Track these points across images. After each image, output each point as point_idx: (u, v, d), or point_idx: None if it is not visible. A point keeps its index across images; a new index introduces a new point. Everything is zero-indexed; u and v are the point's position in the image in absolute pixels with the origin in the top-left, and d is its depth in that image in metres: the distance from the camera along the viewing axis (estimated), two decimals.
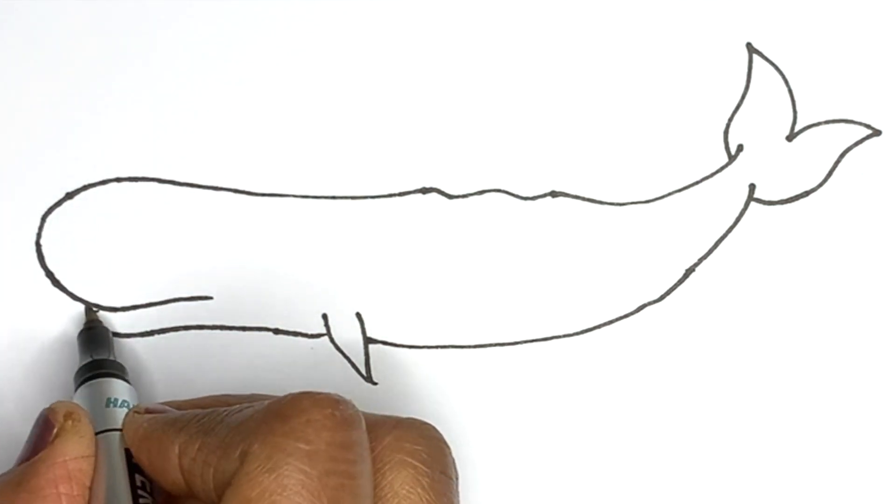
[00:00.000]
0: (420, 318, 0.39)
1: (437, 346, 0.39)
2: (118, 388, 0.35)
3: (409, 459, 0.30)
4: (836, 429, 0.39)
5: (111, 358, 0.37)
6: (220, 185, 0.40)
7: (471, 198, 0.41)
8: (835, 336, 0.40)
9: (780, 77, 0.42)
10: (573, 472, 0.38)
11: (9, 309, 0.39)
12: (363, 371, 0.39)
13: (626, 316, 0.40)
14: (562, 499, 0.38)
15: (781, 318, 0.40)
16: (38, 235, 0.39)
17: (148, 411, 0.33)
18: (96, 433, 0.32)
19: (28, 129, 0.40)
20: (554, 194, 0.41)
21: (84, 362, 0.36)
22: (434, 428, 0.31)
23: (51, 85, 0.41)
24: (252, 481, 0.27)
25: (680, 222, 0.41)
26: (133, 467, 0.32)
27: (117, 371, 0.36)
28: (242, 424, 0.28)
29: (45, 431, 0.31)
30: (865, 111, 0.42)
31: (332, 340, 0.39)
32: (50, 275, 0.39)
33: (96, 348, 0.37)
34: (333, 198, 0.40)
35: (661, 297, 0.40)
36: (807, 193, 0.41)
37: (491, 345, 0.39)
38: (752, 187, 0.41)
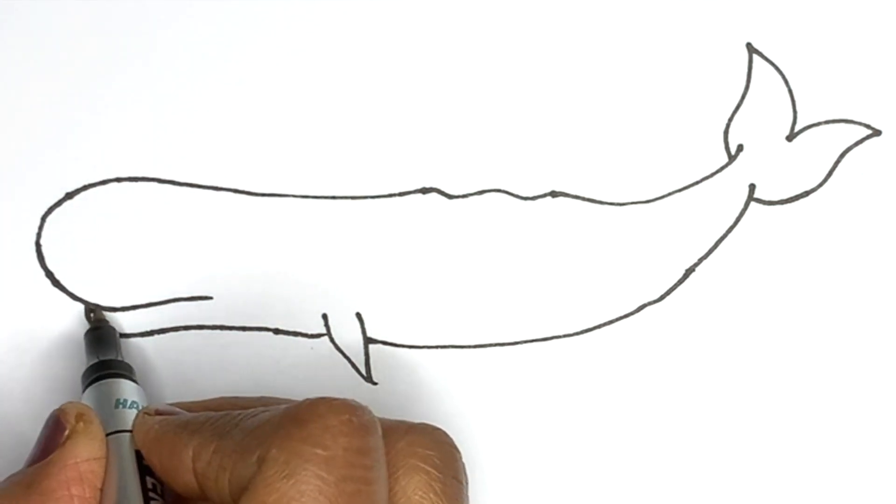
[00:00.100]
0: (420, 318, 0.39)
1: (437, 346, 0.39)
2: (127, 389, 0.35)
3: (422, 465, 0.30)
4: (836, 428, 0.39)
5: (119, 358, 0.36)
6: (220, 185, 0.40)
7: (471, 198, 0.41)
8: (835, 336, 0.40)
9: (780, 77, 0.42)
10: (573, 472, 0.38)
11: (9, 309, 0.39)
12: (363, 371, 0.39)
13: (626, 316, 0.40)
14: (562, 499, 0.38)
15: (781, 317, 0.40)
16: (38, 235, 0.39)
17: (158, 413, 0.33)
18: (106, 434, 0.32)
19: (28, 129, 0.40)
20: (554, 194, 0.41)
21: (91, 363, 0.36)
22: (445, 433, 0.31)
23: (51, 85, 0.41)
24: (269, 486, 0.27)
25: (680, 222, 0.41)
26: (144, 469, 0.32)
27: (125, 371, 0.36)
28: (259, 429, 0.28)
29: (55, 433, 0.31)
30: (865, 111, 0.42)
31: (332, 340, 0.39)
32: (50, 275, 0.39)
33: (103, 349, 0.37)
34: (333, 198, 0.40)
35: (661, 297, 0.40)
36: (807, 193, 0.41)
37: (491, 345, 0.39)
38: (752, 187, 0.41)
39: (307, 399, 0.29)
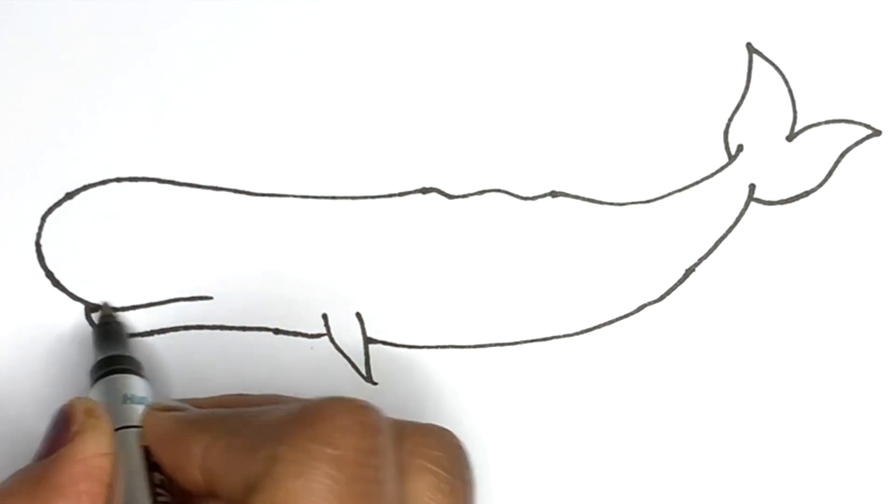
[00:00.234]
0: (420, 318, 0.39)
1: (437, 346, 0.39)
2: (134, 384, 0.35)
3: (431, 466, 0.30)
4: (836, 428, 0.39)
5: (127, 354, 0.36)
6: (220, 185, 0.40)
7: (471, 198, 0.41)
8: (835, 336, 0.40)
9: (780, 77, 0.42)
10: (573, 471, 0.38)
11: (9, 309, 0.39)
12: (363, 371, 0.39)
13: (626, 316, 0.40)
14: (561, 498, 0.38)
15: (781, 318, 0.40)
16: (38, 235, 0.39)
17: (167, 409, 0.33)
18: (114, 430, 0.32)
19: (28, 129, 0.40)
20: (554, 194, 0.41)
21: (99, 358, 0.36)
22: (453, 434, 0.31)
23: (51, 85, 0.41)
24: (279, 484, 0.27)
25: (680, 222, 0.41)
26: (151, 465, 0.32)
27: (133, 367, 0.36)
28: (269, 427, 0.28)
29: (63, 428, 0.31)
30: (865, 111, 0.42)
31: (332, 340, 0.39)
32: (50, 275, 0.39)
33: (111, 344, 0.37)
34: (333, 198, 0.40)
35: (661, 297, 0.40)
36: (807, 193, 0.41)
37: (491, 345, 0.39)
38: (752, 187, 0.41)
39: (318, 398, 0.29)
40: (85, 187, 0.40)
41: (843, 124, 0.42)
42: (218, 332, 0.39)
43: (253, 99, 0.41)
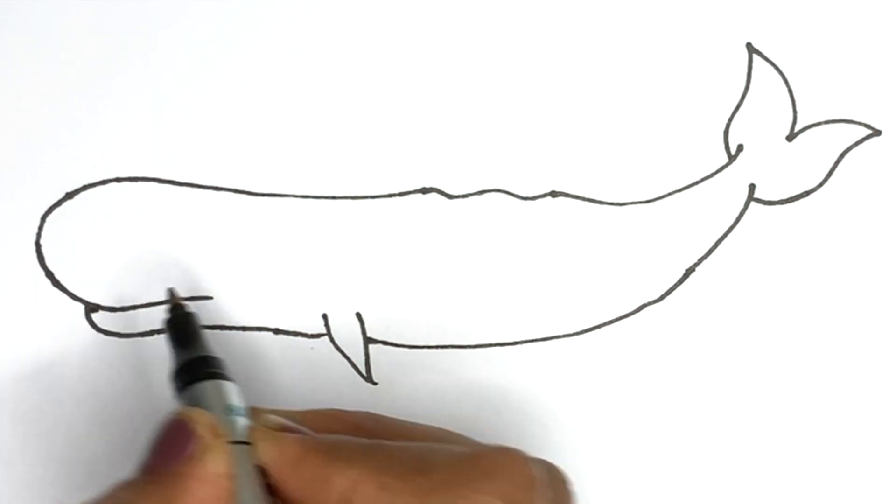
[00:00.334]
0: (420, 318, 0.39)
1: (437, 346, 0.39)
2: (232, 392, 0.33)
3: None
4: (836, 428, 0.39)
5: (212, 354, 0.34)
6: (220, 185, 0.40)
7: (471, 198, 0.41)
8: (835, 336, 0.40)
9: (780, 77, 0.42)
10: (574, 471, 0.38)
11: (9, 309, 0.39)
12: (363, 371, 0.39)
13: (626, 316, 0.40)
14: None
15: (781, 317, 0.40)
16: (38, 235, 0.39)
17: (282, 428, 0.31)
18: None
19: (28, 129, 0.40)
20: (554, 194, 0.41)
21: (183, 358, 0.34)
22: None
23: (51, 85, 0.41)
24: None
25: (680, 222, 0.41)
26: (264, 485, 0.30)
27: (223, 370, 0.33)
28: (437, 473, 0.29)
29: (179, 441, 0.30)
30: (865, 111, 0.42)
31: (332, 340, 0.39)
32: (50, 275, 0.39)
33: (192, 342, 0.34)
34: (333, 198, 0.40)
35: (661, 297, 0.40)
36: (807, 193, 0.41)
37: (491, 345, 0.39)
38: (752, 187, 0.41)
39: (489, 447, 0.30)
40: (85, 187, 0.40)
41: (843, 124, 0.42)
42: (218, 332, 0.39)
43: (253, 99, 0.41)
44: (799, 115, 0.42)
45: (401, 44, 0.42)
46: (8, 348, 0.38)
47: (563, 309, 0.40)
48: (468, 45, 0.42)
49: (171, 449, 0.30)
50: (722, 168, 0.41)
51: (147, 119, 0.41)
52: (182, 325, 0.36)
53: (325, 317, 0.39)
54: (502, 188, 0.41)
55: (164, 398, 0.37)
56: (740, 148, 0.41)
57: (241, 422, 0.31)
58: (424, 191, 0.41)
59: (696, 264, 0.40)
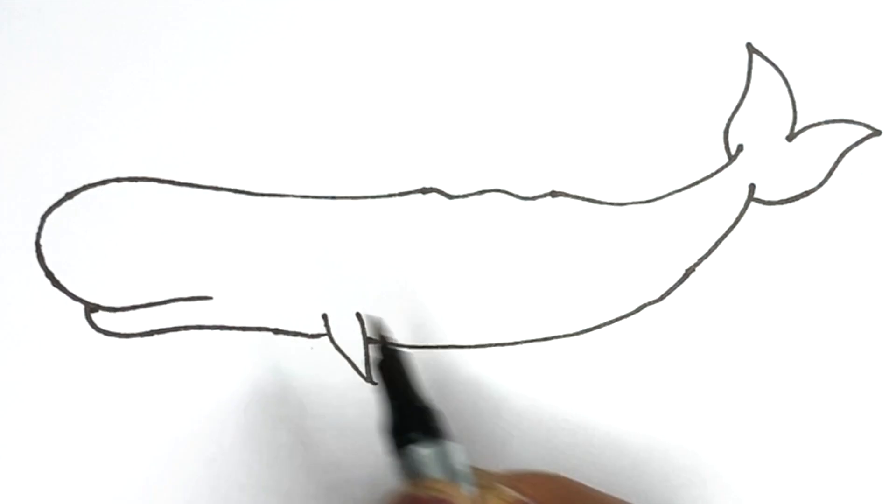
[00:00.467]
0: (420, 318, 0.39)
1: (437, 346, 0.39)
2: (458, 455, 0.30)
3: None
4: (836, 427, 0.39)
5: (429, 405, 0.31)
6: (220, 185, 0.40)
7: (471, 198, 0.41)
8: (834, 335, 0.40)
9: (780, 77, 0.42)
10: (573, 471, 0.38)
11: (9, 309, 0.39)
12: (363, 371, 0.39)
13: (626, 316, 0.40)
14: None
15: (781, 317, 0.40)
16: (38, 235, 0.39)
17: (515, 502, 0.30)
18: None
19: (28, 129, 0.40)
20: (554, 194, 0.41)
21: (398, 410, 0.31)
22: None
23: (51, 85, 0.41)
24: None
25: (680, 222, 0.41)
26: None
27: (442, 422, 0.30)
28: None
29: None
30: (865, 111, 0.42)
31: (332, 340, 0.39)
32: (50, 275, 0.39)
33: (404, 386, 0.31)
34: (333, 198, 0.40)
35: (661, 297, 0.40)
36: (807, 193, 0.41)
37: (491, 345, 0.39)
38: (752, 187, 0.41)
39: None
40: (85, 187, 0.40)
41: (843, 124, 0.42)
42: (218, 332, 0.39)
43: (253, 99, 0.41)
44: (799, 115, 0.42)
45: (401, 44, 0.42)
46: (8, 348, 0.38)
47: (563, 309, 0.40)
48: (468, 46, 0.42)
49: None
50: (722, 168, 0.41)
51: (147, 119, 0.41)
52: (395, 367, 0.33)
53: (325, 317, 0.39)
54: (502, 188, 0.41)
55: (163, 398, 0.37)
56: (740, 148, 0.41)
57: (467, 489, 0.30)
58: (424, 191, 0.41)
59: (696, 264, 0.40)
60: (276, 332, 0.39)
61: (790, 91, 0.42)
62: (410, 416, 0.31)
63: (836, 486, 0.38)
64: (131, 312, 0.39)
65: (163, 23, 0.41)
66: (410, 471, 0.30)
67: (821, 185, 0.41)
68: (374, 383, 0.39)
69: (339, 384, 0.39)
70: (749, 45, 0.42)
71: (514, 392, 0.39)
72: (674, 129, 0.41)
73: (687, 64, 0.42)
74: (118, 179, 0.40)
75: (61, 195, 0.40)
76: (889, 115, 0.42)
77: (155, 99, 0.41)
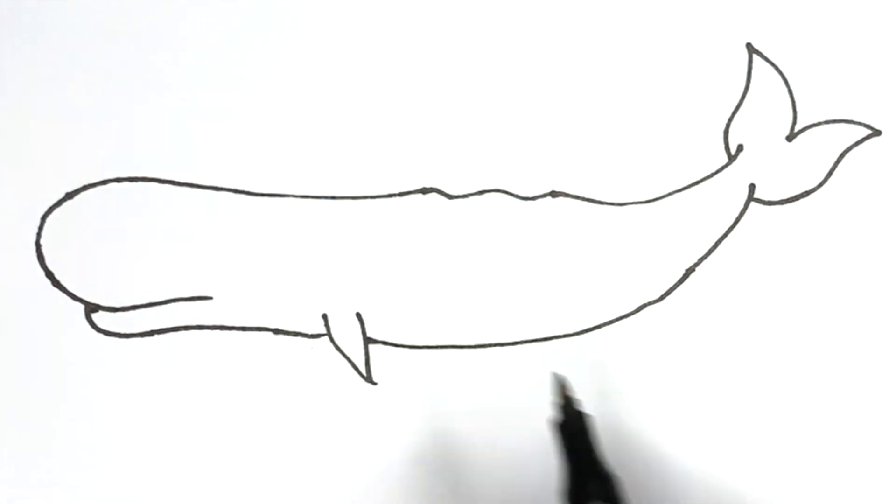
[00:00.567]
0: (420, 318, 0.39)
1: (437, 346, 0.39)
2: None
3: None
4: (835, 427, 0.39)
5: (611, 473, 0.29)
6: (220, 185, 0.40)
7: (471, 198, 0.41)
8: (834, 335, 0.40)
9: (780, 77, 0.42)
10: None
11: (9, 309, 0.39)
12: (363, 371, 0.39)
13: (626, 316, 0.40)
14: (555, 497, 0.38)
15: (781, 317, 0.40)
16: (38, 235, 0.39)
17: None
18: None
19: (28, 130, 0.40)
20: (554, 194, 0.41)
21: (579, 476, 0.29)
22: None
23: (51, 85, 0.41)
24: None
25: (680, 222, 0.41)
26: None
27: (622, 492, 0.29)
28: None
29: None
30: (865, 111, 0.42)
31: (332, 340, 0.39)
32: (50, 275, 0.39)
33: (586, 450, 0.30)
34: (333, 198, 0.40)
35: (661, 297, 0.40)
36: (807, 193, 0.41)
37: (491, 345, 0.39)
38: (752, 187, 0.41)
39: None
40: (85, 187, 0.40)
41: (843, 124, 0.42)
42: (218, 332, 0.39)
43: (253, 100, 0.41)
44: (799, 115, 0.42)
45: (401, 46, 0.42)
46: (8, 348, 0.38)
47: (563, 309, 0.40)
48: (468, 47, 0.42)
49: None
50: (722, 168, 0.41)
51: (147, 119, 0.41)
52: (578, 429, 0.31)
53: (325, 317, 0.39)
54: (502, 188, 0.41)
55: (163, 398, 0.37)
56: (740, 148, 0.41)
57: None
58: (424, 191, 0.41)
59: (696, 264, 0.40)
60: (276, 332, 0.39)
61: (790, 91, 0.42)
62: (591, 483, 0.30)
63: (836, 485, 0.38)
64: (131, 312, 0.39)
65: (163, 25, 0.41)
66: None
67: (821, 185, 0.41)
68: (375, 383, 0.39)
69: (339, 384, 0.39)
70: (749, 45, 0.42)
71: (514, 392, 0.39)
72: (674, 129, 0.41)
73: (687, 64, 0.42)
74: (118, 179, 0.40)
75: (61, 195, 0.40)
76: (889, 115, 0.42)
77: (155, 99, 0.41)
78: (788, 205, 0.41)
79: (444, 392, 0.39)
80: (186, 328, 0.39)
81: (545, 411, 0.39)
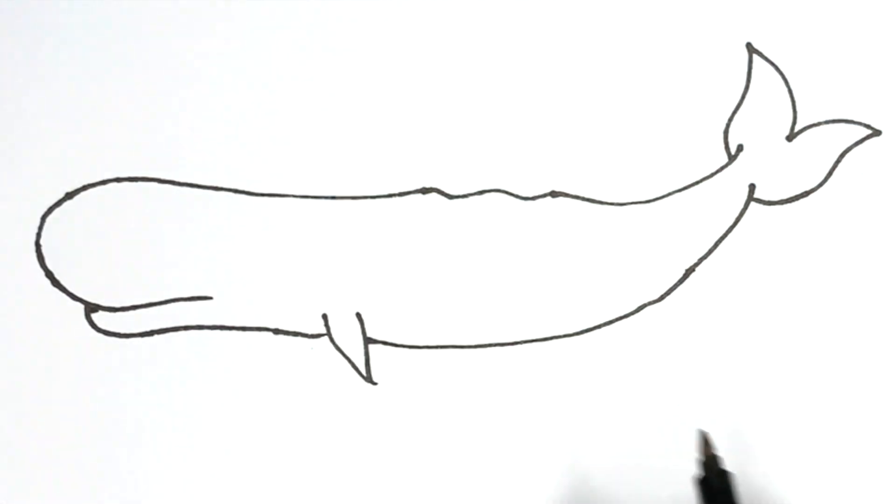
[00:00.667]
0: (420, 318, 0.39)
1: (437, 346, 0.39)
2: None
3: None
4: (835, 427, 0.39)
5: None
6: (220, 185, 0.40)
7: (471, 198, 0.41)
8: (834, 335, 0.40)
9: (780, 77, 0.42)
10: (574, 471, 0.38)
11: (9, 309, 0.39)
12: (363, 371, 0.39)
13: (626, 316, 0.40)
14: (560, 497, 0.38)
15: (781, 317, 0.40)
16: (38, 235, 0.39)
17: None
18: None
19: (28, 129, 0.40)
20: (554, 194, 0.41)
21: None
22: None
23: (51, 85, 0.41)
24: None
25: (680, 222, 0.41)
26: None
27: None
28: None
29: None
30: (865, 111, 0.42)
31: (332, 340, 0.39)
32: (50, 275, 0.39)
33: None
34: (333, 198, 0.40)
35: (661, 297, 0.40)
36: (807, 193, 0.41)
37: (491, 345, 0.39)
38: (752, 187, 0.41)
39: None
40: (85, 187, 0.40)
41: (843, 124, 0.42)
42: (218, 332, 0.39)
43: (253, 99, 0.41)
44: (799, 115, 0.42)
45: (401, 45, 0.42)
46: (8, 348, 0.38)
47: (563, 309, 0.40)
48: (468, 47, 0.42)
49: None
50: (722, 168, 0.41)
51: (147, 119, 0.41)
52: (721, 488, 0.32)
53: (325, 317, 0.39)
54: (502, 188, 0.41)
55: (163, 398, 0.37)
56: (740, 148, 0.41)
57: None
58: (424, 191, 0.41)
59: (696, 264, 0.40)
60: (276, 332, 0.39)
61: (790, 91, 0.42)
62: None
63: (835, 485, 0.38)
64: (131, 312, 0.39)
65: (163, 24, 0.41)
66: None
67: (821, 185, 0.41)
68: (375, 383, 0.39)
69: (339, 384, 0.39)
70: (749, 45, 0.42)
71: (514, 392, 0.39)
72: (674, 129, 0.41)
73: (687, 64, 0.42)
74: (118, 179, 0.40)
75: (61, 195, 0.40)
76: (889, 115, 0.42)
77: (155, 99, 0.41)
78: (788, 205, 0.41)
79: (444, 392, 0.39)
80: (186, 328, 0.39)
81: (545, 411, 0.39)
